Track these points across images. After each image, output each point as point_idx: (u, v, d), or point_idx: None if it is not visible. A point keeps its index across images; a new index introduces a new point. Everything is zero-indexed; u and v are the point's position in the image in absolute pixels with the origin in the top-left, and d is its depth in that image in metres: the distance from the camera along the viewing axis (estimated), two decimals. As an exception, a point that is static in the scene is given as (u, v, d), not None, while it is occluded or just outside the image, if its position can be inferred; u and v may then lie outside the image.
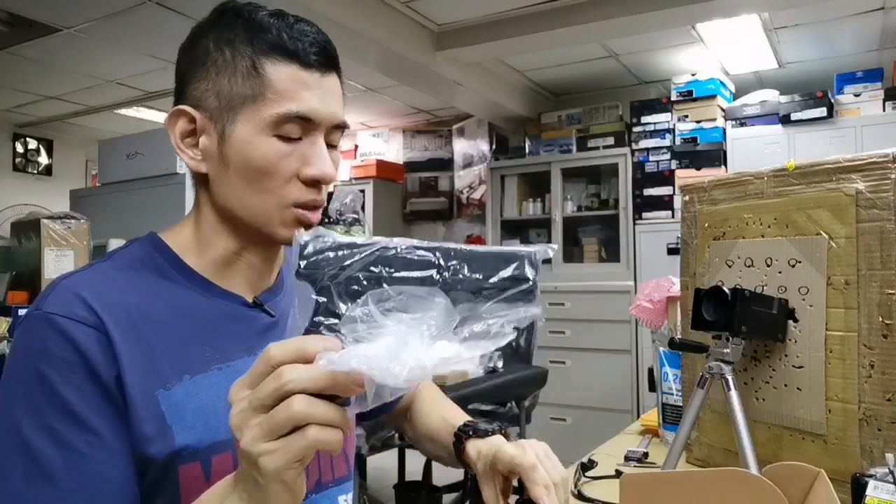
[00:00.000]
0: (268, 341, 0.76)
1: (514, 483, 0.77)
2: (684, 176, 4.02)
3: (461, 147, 5.35)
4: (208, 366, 0.70)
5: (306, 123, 0.71)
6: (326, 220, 3.72)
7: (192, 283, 0.74)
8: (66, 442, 0.61)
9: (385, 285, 0.56)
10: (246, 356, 0.73)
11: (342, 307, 0.54)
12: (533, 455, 0.76)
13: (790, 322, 1.05)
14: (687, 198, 1.28)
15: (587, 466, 1.29)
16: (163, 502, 0.66)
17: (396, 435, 3.42)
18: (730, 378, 1.01)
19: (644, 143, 4.22)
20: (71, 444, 0.61)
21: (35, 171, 5.77)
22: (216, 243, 0.75)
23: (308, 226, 0.74)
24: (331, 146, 0.75)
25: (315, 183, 0.73)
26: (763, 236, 1.10)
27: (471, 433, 0.87)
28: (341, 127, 0.75)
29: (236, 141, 0.70)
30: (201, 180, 0.76)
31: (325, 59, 0.72)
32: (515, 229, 4.80)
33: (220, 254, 0.76)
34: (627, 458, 1.36)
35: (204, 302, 0.73)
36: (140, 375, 0.65)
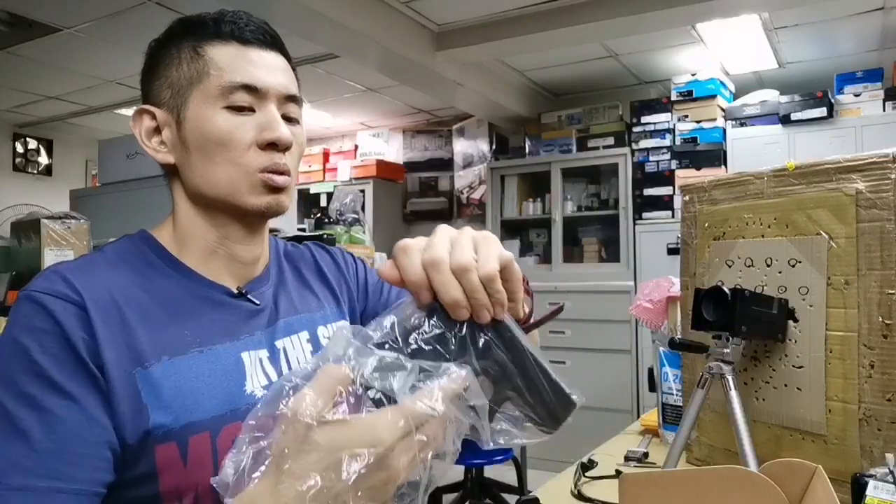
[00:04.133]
0: (252, 327, 0.79)
1: None
2: (684, 176, 4.02)
3: (461, 147, 5.35)
4: (188, 348, 0.72)
5: (254, 93, 0.75)
6: (327, 220, 3.72)
7: (177, 273, 0.76)
8: (41, 405, 0.61)
9: None
10: (228, 341, 0.75)
11: None
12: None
13: (790, 322, 1.05)
14: (687, 198, 1.28)
15: (587, 466, 1.29)
16: (140, 483, 0.66)
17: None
18: (730, 378, 1.01)
19: (644, 143, 4.22)
20: (46, 407, 0.61)
21: (35, 171, 5.77)
22: (196, 235, 0.78)
23: (276, 189, 0.76)
24: (289, 119, 0.78)
25: (273, 147, 0.75)
26: (763, 236, 1.10)
27: None
28: (295, 100, 0.79)
29: (191, 121, 0.75)
30: (172, 173, 0.80)
31: (263, 36, 0.77)
32: (515, 229, 4.80)
33: (201, 245, 0.78)
34: (627, 458, 1.36)
35: (187, 290, 0.76)
36: (117, 353, 0.67)
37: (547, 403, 0.53)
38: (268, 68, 0.76)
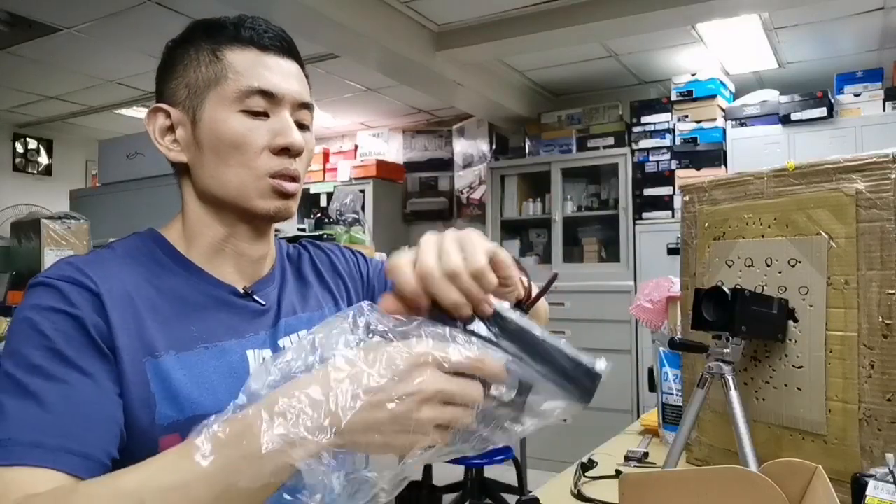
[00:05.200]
0: (256, 326, 0.80)
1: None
2: (684, 176, 4.02)
3: (461, 147, 5.35)
4: (195, 344, 0.73)
5: (270, 99, 0.76)
6: (326, 220, 3.72)
7: (184, 271, 0.77)
8: (54, 376, 0.62)
9: None
10: (233, 339, 0.76)
11: None
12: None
13: (790, 322, 1.05)
14: (687, 198, 1.28)
15: (587, 466, 1.29)
16: None
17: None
18: (730, 378, 1.00)
19: (644, 143, 4.22)
20: (58, 377, 0.62)
21: (35, 171, 5.77)
22: (203, 233, 0.79)
23: (285, 195, 0.77)
24: (301, 126, 0.79)
25: (285, 152, 0.76)
26: (763, 236, 1.10)
27: None
28: (308, 107, 0.80)
29: (206, 122, 0.76)
30: (183, 172, 0.80)
31: (280, 43, 0.79)
32: (515, 229, 4.80)
33: (209, 242, 0.79)
34: (627, 458, 1.36)
35: (195, 288, 0.77)
36: (129, 340, 0.68)
37: (572, 379, 0.55)
38: (284, 75, 0.77)
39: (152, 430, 0.67)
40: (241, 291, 0.80)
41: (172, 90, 0.78)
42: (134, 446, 0.66)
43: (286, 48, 0.79)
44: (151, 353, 0.69)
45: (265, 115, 0.76)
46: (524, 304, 0.63)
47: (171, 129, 0.79)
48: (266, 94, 0.75)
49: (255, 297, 0.81)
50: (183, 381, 0.70)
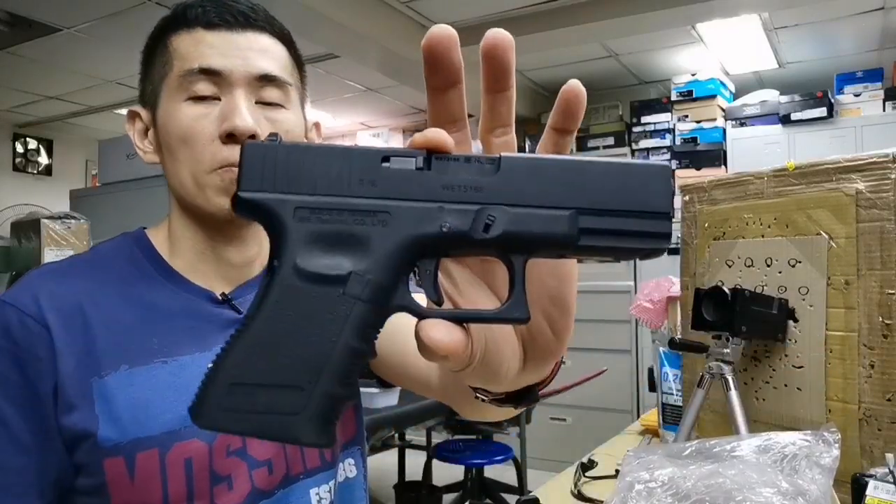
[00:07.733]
0: (226, 337, 0.74)
1: None
2: (684, 176, 4.02)
3: (461, 147, 5.35)
4: (151, 358, 0.67)
5: (216, 79, 0.68)
6: (326, 220, 3.73)
7: (161, 277, 0.72)
8: None
9: None
10: (197, 351, 0.69)
11: None
12: None
13: (790, 322, 1.05)
14: (687, 198, 1.28)
15: (587, 466, 1.29)
16: (92, 493, 0.65)
17: (396, 435, 3.42)
18: (730, 378, 1.01)
19: (644, 143, 4.22)
20: None
21: (35, 171, 5.77)
22: (185, 236, 0.74)
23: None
24: (269, 104, 0.71)
25: (232, 138, 0.67)
26: (763, 236, 1.10)
27: None
28: (274, 81, 0.70)
29: (161, 118, 0.71)
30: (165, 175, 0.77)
31: (232, 16, 0.69)
32: (515, 229, 4.80)
33: (190, 247, 0.74)
34: (627, 458, 1.36)
35: (166, 295, 0.71)
36: (75, 361, 0.65)
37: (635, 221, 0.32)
38: (237, 49, 0.68)
39: (95, 452, 0.63)
40: (219, 297, 0.73)
41: (143, 91, 0.75)
42: (82, 467, 0.64)
43: (243, 21, 0.69)
44: (98, 372, 0.65)
45: (216, 99, 0.68)
46: (537, 387, 0.43)
47: (146, 131, 0.75)
48: (209, 74, 0.67)
49: (234, 303, 0.74)
50: (128, 401, 0.65)
